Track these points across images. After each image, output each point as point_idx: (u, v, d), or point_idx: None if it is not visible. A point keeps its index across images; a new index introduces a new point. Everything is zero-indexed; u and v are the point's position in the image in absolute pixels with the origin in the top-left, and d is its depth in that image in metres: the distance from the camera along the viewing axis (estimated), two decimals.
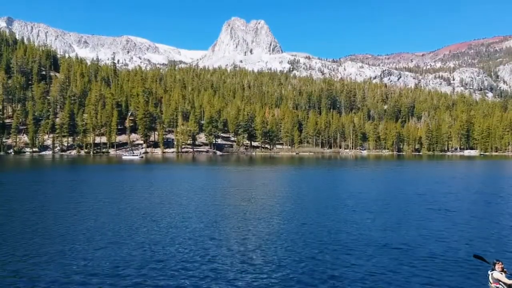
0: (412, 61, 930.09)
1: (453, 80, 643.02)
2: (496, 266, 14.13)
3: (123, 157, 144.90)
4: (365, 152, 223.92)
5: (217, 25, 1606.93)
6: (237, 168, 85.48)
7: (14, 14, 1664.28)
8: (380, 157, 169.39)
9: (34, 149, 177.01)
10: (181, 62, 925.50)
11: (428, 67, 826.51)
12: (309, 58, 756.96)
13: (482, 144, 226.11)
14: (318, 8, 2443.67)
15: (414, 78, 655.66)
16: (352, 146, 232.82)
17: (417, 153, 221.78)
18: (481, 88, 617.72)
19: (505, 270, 13.95)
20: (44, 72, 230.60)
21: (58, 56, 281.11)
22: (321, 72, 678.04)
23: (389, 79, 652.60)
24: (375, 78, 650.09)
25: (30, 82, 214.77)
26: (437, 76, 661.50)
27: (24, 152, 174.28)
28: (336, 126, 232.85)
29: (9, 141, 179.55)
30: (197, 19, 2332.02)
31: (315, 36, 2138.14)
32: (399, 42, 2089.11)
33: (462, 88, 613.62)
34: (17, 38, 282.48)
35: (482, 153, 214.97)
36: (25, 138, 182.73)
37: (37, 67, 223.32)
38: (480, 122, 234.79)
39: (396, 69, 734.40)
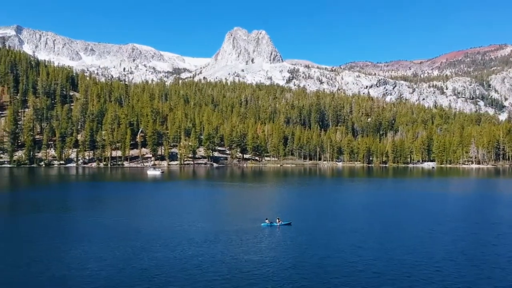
0: (410, 69, 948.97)
1: (446, 89, 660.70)
2: (266, 220, 49.14)
3: (148, 172, 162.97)
4: (340, 164, 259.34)
5: (220, 34, 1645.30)
6: (233, 184, 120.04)
7: (23, 22, 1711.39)
8: (350, 169, 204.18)
9: (61, 162, 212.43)
10: (185, 69, 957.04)
11: (426, 74, 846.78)
12: (308, 67, 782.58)
13: (439, 158, 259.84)
14: (320, 15, 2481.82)
15: (409, 87, 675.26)
16: (330, 159, 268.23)
17: (384, 165, 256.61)
18: (473, 97, 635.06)
19: (274, 220, 48.86)
20: (64, 92, 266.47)
21: (74, 73, 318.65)
22: (319, 81, 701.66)
23: (384, 88, 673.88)
24: (371, 87, 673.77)
25: (53, 101, 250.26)
26: (431, 85, 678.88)
27: (53, 165, 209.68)
28: (316, 142, 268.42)
29: (40, 154, 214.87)
30: (201, 28, 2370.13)
31: (316, 43, 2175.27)
32: (399, 50, 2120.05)
33: (454, 97, 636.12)
34: (40, 60, 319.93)
35: (433, 166, 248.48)
36: (52, 152, 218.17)
37: (59, 89, 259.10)
38: (438, 138, 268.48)
39: (393, 77, 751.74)
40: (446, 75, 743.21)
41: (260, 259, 33.57)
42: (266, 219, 49.68)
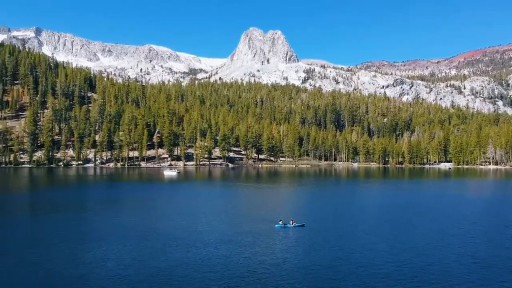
0: (427, 68, 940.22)
1: (464, 88, 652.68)
2: (280, 222, 49.86)
3: (165, 173, 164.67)
4: (356, 165, 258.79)
5: (236, 34, 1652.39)
6: (248, 185, 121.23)
7: (42, 24, 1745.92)
8: (366, 170, 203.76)
9: (79, 162, 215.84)
10: (201, 70, 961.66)
11: (443, 74, 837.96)
12: (324, 67, 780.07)
13: (456, 158, 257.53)
14: (336, 13, 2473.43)
15: (426, 87, 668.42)
16: (346, 159, 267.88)
17: (400, 166, 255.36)
18: (491, 97, 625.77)
19: (288, 221, 49.61)
20: (82, 93, 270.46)
21: (92, 74, 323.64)
22: (335, 81, 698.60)
23: (401, 87, 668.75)
24: (387, 87, 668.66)
25: (71, 102, 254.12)
26: (448, 85, 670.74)
27: (71, 165, 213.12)
28: (331, 142, 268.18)
29: (58, 155, 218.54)
30: (217, 28, 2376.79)
31: (332, 42, 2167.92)
32: (416, 49, 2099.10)
33: (472, 96, 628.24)
34: (58, 62, 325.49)
35: (450, 167, 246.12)
36: (71, 152, 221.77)
37: (77, 90, 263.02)
38: (454, 139, 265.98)
39: (410, 77, 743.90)
40: (464, 74, 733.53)
41: (273, 260, 34.46)
42: (280, 220, 50.57)
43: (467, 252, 37.25)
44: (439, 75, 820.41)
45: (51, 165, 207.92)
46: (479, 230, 48.47)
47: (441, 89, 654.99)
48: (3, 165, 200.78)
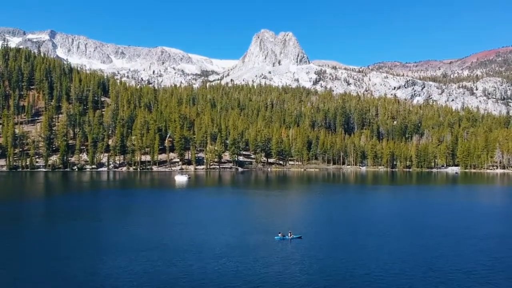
0: (439, 69, 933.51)
1: (476, 89, 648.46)
2: (280, 234, 53.24)
3: (176, 178, 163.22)
4: (364, 168, 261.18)
5: (247, 36, 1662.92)
6: (257, 192, 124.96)
7: (56, 27, 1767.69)
8: (374, 174, 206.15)
9: (92, 166, 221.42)
10: (213, 72, 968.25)
11: (456, 75, 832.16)
12: (335, 68, 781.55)
13: (463, 162, 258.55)
14: (348, 14, 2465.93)
15: (438, 88, 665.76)
16: (354, 163, 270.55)
17: (407, 170, 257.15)
18: (504, 98, 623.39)
19: (286, 233, 53.15)
20: (96, 98, 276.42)
21: (105, 77, 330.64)
22: (346, 82, 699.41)
23: (413, 89, 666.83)
24: (399, 88, 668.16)
25: (85, 107, 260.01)
26: (460, 86, 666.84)
27: (85, 169, 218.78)
28: (340, 146, 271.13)
29: (73, 159, 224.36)
30: (229, 30, 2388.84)
31: (344, 43, 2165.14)
32: (429, 49, 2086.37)
33: (484, 97, 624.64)
34: (72, 67, 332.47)
35: (457, 171, 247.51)
36: (85, 156, 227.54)
37: (91, 95, 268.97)
38: (462, 143, 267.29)
39: (422, 78, 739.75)
40: (477, 75, 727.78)
41: (267, 273, 37.63)
42: (279, 232, 53.98)
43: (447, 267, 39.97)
44: (452, 76, 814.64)
45: (66, 169, 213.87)
46: (452, 242, 50.98)
47: (453, 90, 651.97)
48: (20, 169, 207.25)
